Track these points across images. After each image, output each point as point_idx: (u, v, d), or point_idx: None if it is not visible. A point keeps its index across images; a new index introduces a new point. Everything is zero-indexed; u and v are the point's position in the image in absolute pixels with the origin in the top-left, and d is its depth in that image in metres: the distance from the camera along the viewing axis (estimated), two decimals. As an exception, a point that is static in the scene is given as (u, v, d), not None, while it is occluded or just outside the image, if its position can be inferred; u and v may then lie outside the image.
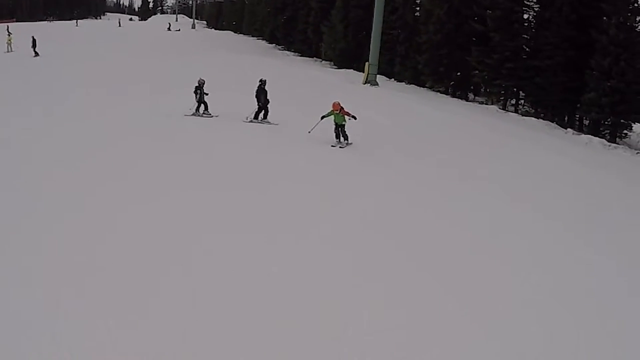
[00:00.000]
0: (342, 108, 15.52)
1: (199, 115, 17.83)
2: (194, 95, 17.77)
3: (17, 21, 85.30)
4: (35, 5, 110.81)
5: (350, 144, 15.72)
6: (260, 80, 17.41)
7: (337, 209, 10.35)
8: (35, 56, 34.65)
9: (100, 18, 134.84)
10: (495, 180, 13.39)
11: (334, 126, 15.70)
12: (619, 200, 13.05)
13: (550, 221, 10.86)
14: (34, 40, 35.49)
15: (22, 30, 46.92)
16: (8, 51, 37.25)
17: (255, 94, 17.21)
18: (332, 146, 15.51)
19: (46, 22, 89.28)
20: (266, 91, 17.32)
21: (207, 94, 17.94)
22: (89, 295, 6.71)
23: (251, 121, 17.34)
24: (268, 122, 17.42)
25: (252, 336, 6.12)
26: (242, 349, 5.88)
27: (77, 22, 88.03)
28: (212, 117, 17.83)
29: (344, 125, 15.68)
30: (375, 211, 10.45)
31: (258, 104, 17.24)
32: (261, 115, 17.48)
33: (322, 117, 15.68)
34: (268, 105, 17.44)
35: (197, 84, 17.81)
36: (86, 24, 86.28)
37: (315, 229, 9.35)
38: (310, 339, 6.16)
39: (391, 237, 9.28)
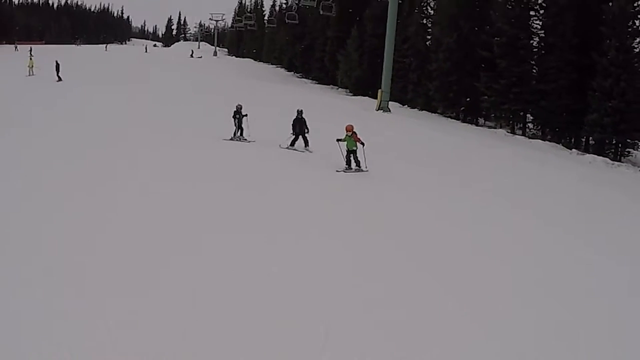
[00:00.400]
0: (354, 132, 15.51)
1: (237, 140, 18.10)
2: (233, 120, 18.15)
3: (45, 43, 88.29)
4: (64, 29, 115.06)
5: (366, 171, 15.47)
6: (297, 111, 17.60)
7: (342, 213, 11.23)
8: (58, 81, 33.15)
9: (126, 43, 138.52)
10: (499, 192, 14.35)
11: (345, 151, 15.64)
12: (614, 209, 14.26)
13: (549, 226, 11.53)
14: (57, 65, 34.03)
15: (51, 52, 47.92)
16: (29, 75, 35.95)
17: (292, 122, 17.47)
18: (337, 171, 15.38)
19: (74, 45, 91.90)
20: (303, 120, 17.48)
21: (245, 116, 18.17)
22: (89, 294, 6.80)
23: (287, 148, 17.42)
24: (309, 150, 17.47)
25: (252, 336, 6.19)
26: (242, 349, 5.94)
27: (106, 46, 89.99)
28: (248, 142, 18.04)
29: (355, 150, 15.60)
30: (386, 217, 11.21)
31: (292, 132, 17.40)
32: (302, 143, 17.55)
33: (338, 140, 15.63)
34: (307, 135, 17.58)
35: (235, 109, 18.22)
36: (114, 49, 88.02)
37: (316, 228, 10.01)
38: (310, 339, 6.21)
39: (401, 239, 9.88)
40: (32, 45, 59.21)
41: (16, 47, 62.81)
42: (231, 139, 18.07)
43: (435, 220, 11.31)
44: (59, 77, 33.56)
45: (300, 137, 17.49)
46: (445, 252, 9.29)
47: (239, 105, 18.33)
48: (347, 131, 15.44)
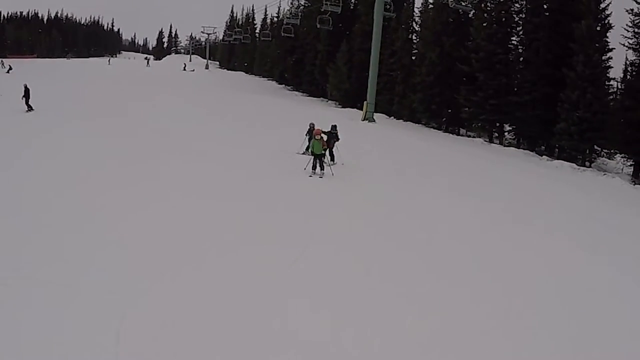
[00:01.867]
0: (322, 137, 15.98)
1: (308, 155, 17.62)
2: (306, 137, 18.52)
3: (37, 57, 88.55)
4: (54, 42, 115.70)
5: (335, 164, 17.19)
6: (332, 126, 18.17)
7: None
8: (28, 111, 25.48)
9: (116, 56, 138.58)
10: (454, 187, 16.36)
11: (312, 157, 16.02)
12: (554, 199, 16.41)
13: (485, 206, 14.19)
14: (26, 90, 25.91)
15: (43, 67, 48.72)
16: None
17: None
18: (310, 176, 15.81)
19: (65, 58, 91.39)
20: (332, 134, 17.91)
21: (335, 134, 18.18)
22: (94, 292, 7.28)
23: (331, 164, 17.66)
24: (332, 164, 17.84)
25: (264, 336, 6.64)
26: (250, 347, 6.39)
27: (109, 60, 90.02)
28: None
29: (323, 154, 16.22)
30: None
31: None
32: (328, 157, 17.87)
33: (307, 149, 16.13)
34: (334, 150, 18.09)
35: (308, 128, 18.47)
36: (114, 62, 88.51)
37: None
38: (327, 337, 6.77)
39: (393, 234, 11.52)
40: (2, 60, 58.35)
41: (2, 63, 58.09)
42: (304, 153, 18.14)
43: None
44: (28, 106, 25.79)
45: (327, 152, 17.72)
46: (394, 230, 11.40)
47: (312, 124, 18.49)
48: (315, 135, 15.94)
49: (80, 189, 12.44)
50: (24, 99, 25.65)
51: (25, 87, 25.97)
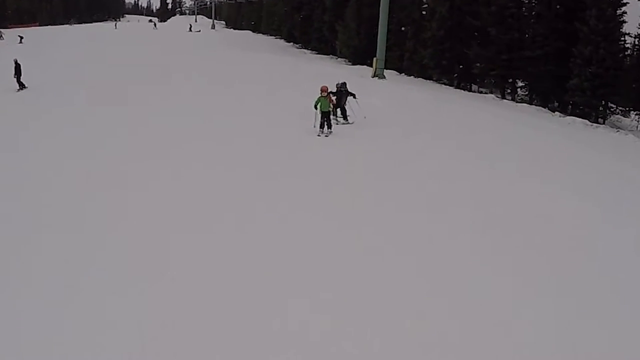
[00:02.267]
0: (329, 94, 15.89)
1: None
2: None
3: (40, 25, 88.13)
4: (56, 10, 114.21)
5: (351, 123, 17.38)
6: (341, 84, 17.95)
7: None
8: (20, 89, 23.85)
9: (120, 20, 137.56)
10: (472, 146, 16.18)
11: (319, 115, 15.93)
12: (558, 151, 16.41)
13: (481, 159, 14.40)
14: (17, 66, 24.02)
15: (44, 35, 49.23)
16: None
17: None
18: (317, 136, 15.90)
19: (68, 25, 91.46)
20: (341, 92, 17.74)
21: (353, 94, 17.91)
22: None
23: (344, 123, 17.86)
24: (345, 122, 17.95)
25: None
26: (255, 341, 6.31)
27: (116, 24, 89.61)
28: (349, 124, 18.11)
29: (330, 112, 16.14)
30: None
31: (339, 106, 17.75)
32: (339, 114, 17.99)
33: (315, 106, 15.82)
34: (346, 107, 17.99)
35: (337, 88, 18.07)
36: (121, 26, 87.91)
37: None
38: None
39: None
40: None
41: (1, 36, 57.17)
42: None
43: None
44: (20, 83, 24.04)
45: (339, 109, 17.86)
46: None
47: (339, 84, 18.14)
48: (322, 92, 15.79)
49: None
50: (15, 76, 23.94)
51: (16, 62, 24.07)
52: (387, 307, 7.01)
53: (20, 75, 24.04)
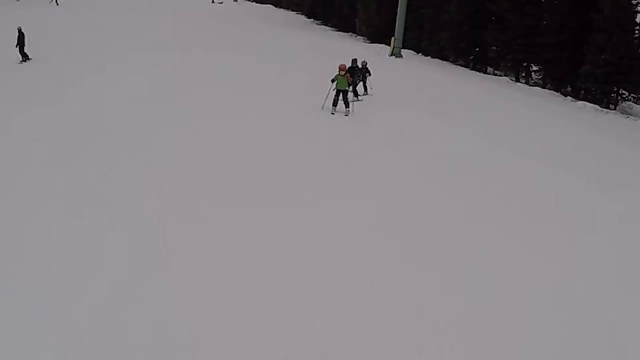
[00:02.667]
0: (347, 72, 16.03)
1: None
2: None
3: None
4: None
5: (360, 100, 17.86)
6: (352, 60, 18.36)
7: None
8: (22, 61, 22.60)
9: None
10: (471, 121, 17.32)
11: (334, 92, 16.10)
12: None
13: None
14: (20, 35, 22.45)
15: None
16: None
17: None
18: (332, 114, 16.19)
19: None
20: (356, 70, 18.21)
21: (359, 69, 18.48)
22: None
23: (353, 100, 17.92)
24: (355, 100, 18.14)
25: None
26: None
27: None
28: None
29: (347, 90, 16.22)
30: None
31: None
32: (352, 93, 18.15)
33: (332, 81, 15.94)
34: (357, 87, 18.36)
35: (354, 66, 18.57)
36: None
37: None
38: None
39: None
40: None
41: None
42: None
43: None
44: (23, 54, 22.67)
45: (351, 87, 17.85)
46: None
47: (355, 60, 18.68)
48: (340, 70, 15.89)
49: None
50: (18, 46, 22.39)
51: (19, 31, 22.35)
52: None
53: (24, 45, 22.54)
